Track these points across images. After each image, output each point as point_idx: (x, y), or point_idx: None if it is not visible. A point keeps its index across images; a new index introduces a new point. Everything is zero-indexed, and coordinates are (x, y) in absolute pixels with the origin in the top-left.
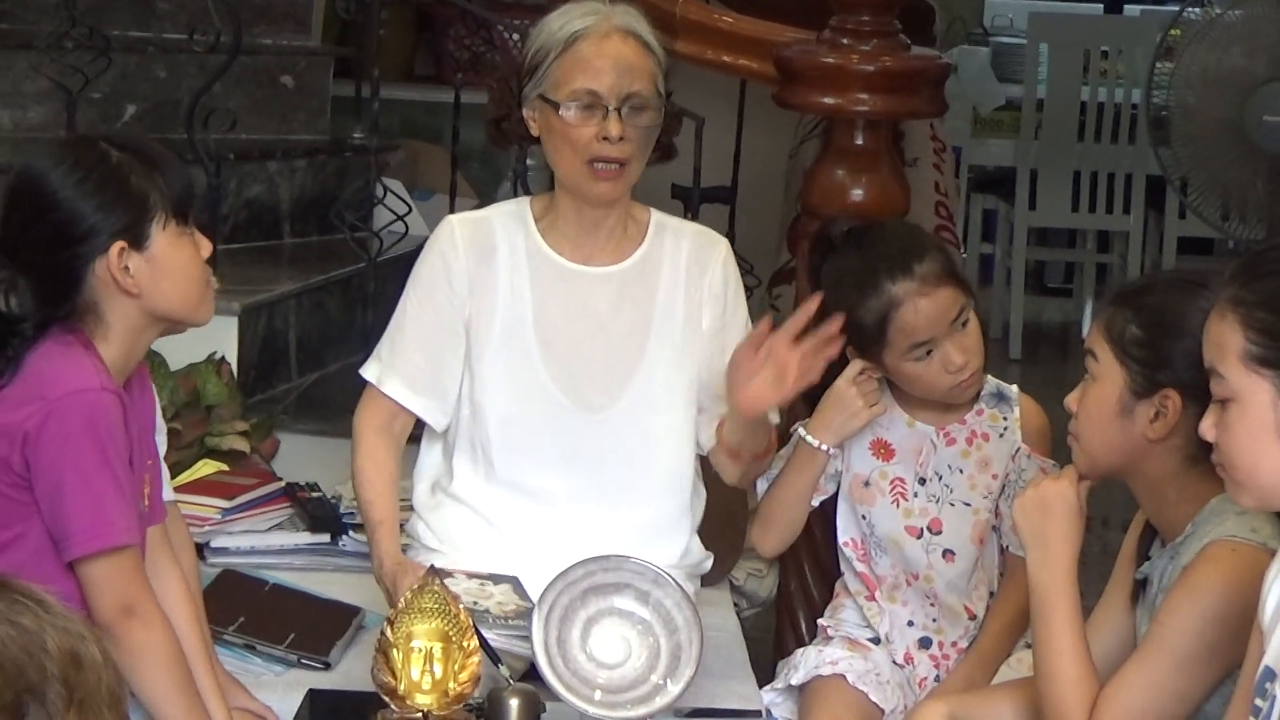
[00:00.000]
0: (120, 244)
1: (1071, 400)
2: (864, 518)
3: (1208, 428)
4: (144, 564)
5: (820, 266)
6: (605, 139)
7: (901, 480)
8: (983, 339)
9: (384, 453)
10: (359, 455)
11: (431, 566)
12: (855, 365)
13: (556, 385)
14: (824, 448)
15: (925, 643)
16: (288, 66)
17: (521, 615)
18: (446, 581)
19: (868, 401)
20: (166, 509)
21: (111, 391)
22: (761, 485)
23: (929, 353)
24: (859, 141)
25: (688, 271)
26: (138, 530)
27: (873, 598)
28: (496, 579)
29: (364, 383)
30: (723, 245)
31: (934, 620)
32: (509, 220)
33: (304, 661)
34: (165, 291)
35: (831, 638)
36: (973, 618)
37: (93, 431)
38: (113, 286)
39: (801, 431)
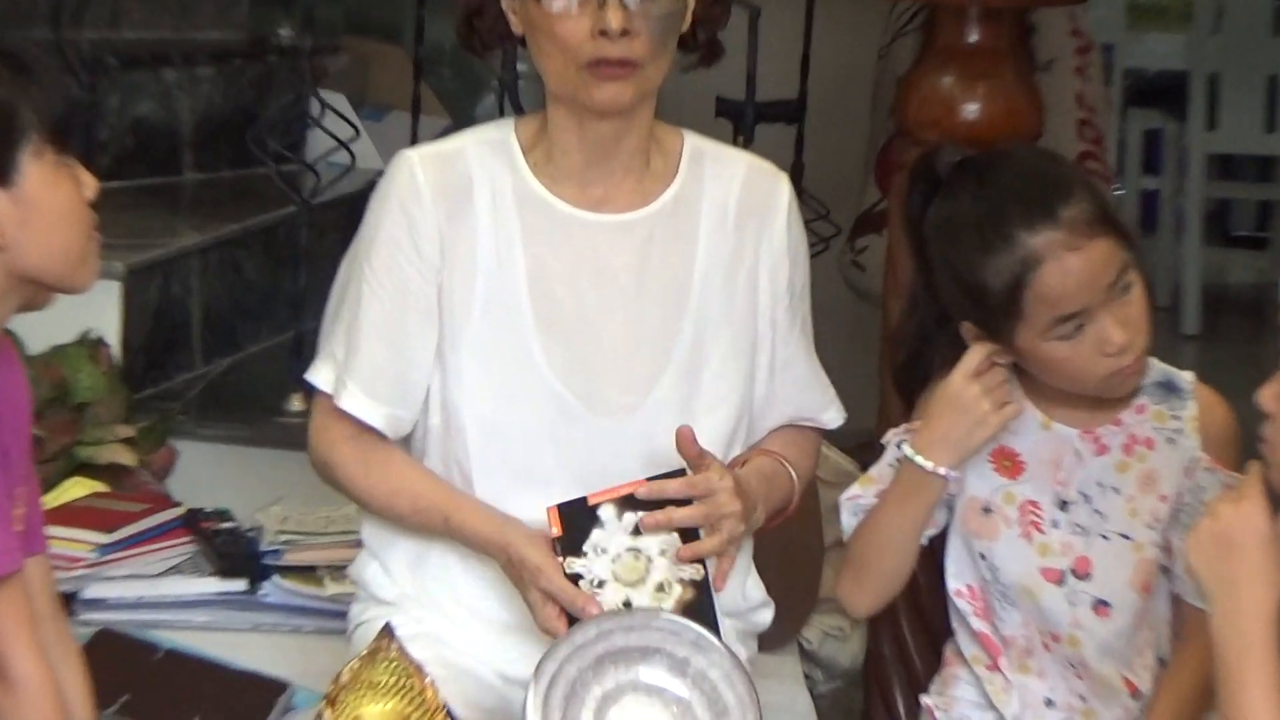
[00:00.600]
0: None
1: (1268, 395)
2: (983, 557)
3: None
4: (28, 602)
5: (923, 210)
6: (604, 34)
7: (1035, 505)
8: (1148, 309)
9: (379, 449)
10: (343, 473)
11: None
12: (977, 351)
13: (560, 379)
14: (941, 472)
15: None
16: None
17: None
18: (594, 540)
19: (996, 403)
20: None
21: None
22: (848, 519)
23: (1079, 329)
24: (973, 38)
25: (739, 219)
26: (19, 553)
27: (996, 667)
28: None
29: (307, 384)
30: (785, 187)
31: (1082, 698)
32: (489, 152)
33: None
34: (37, 242)
35: None
36: (1135, 694)
37: None
38: None
39: (908, 450)
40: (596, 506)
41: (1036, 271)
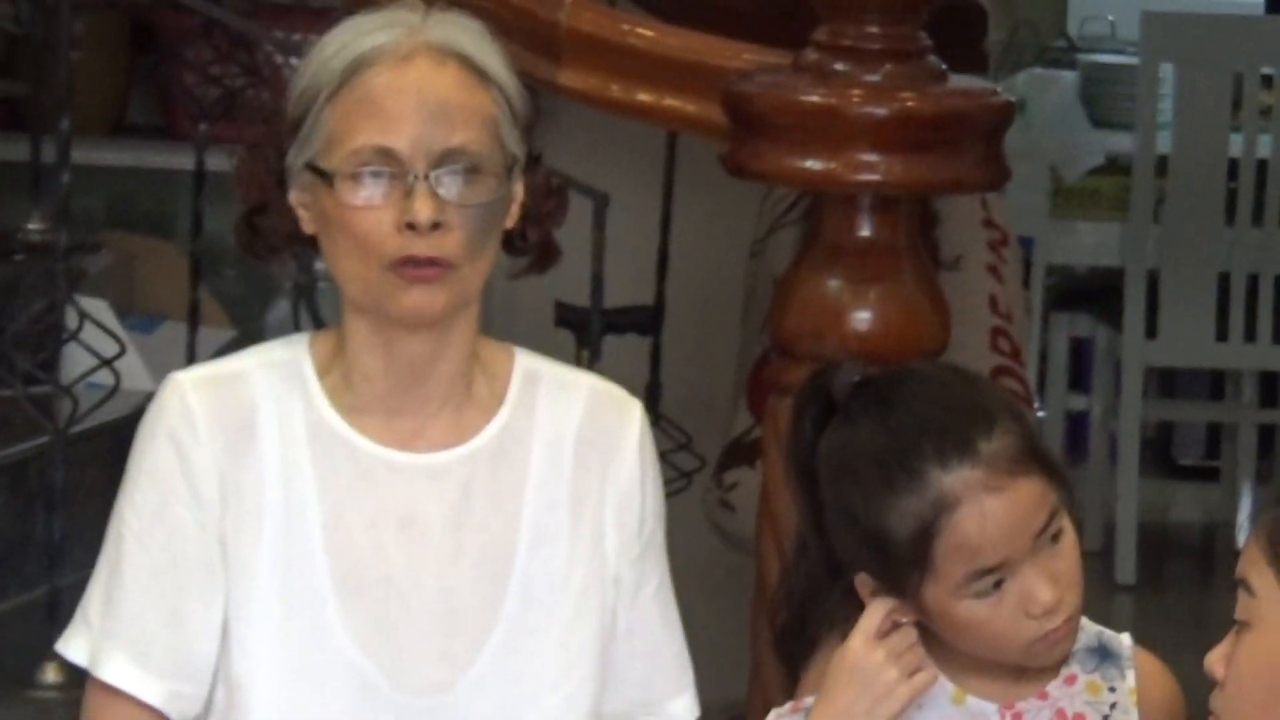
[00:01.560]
0: None
1: (1215, 661)
2: None
3: None
4: None
5: (815, 439)
6: (411, 227)
7: None
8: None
9: None
10: None
11: None
12: (876, 609)
13: (365, 653)
14: None
15: None
16: None
17: None
18: None
19: (905, 670)
20: None
21: None
22: None
23: (999, 585)
24: (865, 232)
25: (577, 457)
26: None
27: None
28: None
29: (75, 668)
30: (636, 415)
31: None
32: (276, 377)
33: None
34: None
35: None
36: None
37: None
38: None
39: None
40: None
41: (950, 517)
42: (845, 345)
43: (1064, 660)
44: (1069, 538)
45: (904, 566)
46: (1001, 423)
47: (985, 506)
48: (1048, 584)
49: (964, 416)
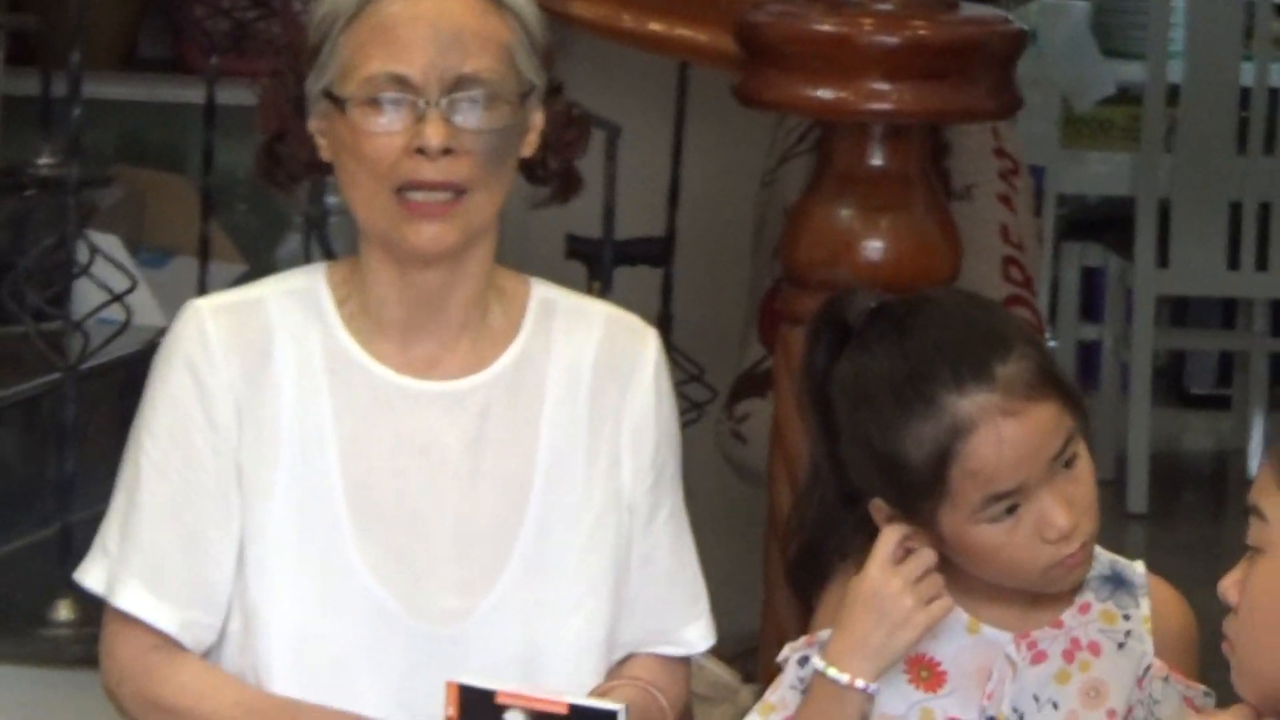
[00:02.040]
0: None
1: (1229, 586)
2: None
3: None
4: None
5: (829, 365)
6: (421, 151)
7: None
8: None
9: (188, 661)
10: (144, 695)
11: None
12: (890, 534)
13: (380, 581)
14: (860, 685)
15: None
16: None
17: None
18: None
19: (922, 598)
20: None
21: None
22: None
23: (1012, 510)
24: (876, 161)
25: (594, 385)
26: None
27: None
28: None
29: (78, 588)
30: (653, 343)
31: None
32: (293, 304)
33: None
34: None
35: None
36: None
37: None
38: None
39: (819, 664)
40: (504, 707)
41: (966, 441)
42: (856, 274)
43: (1078, 588)
44: (1084, 463)
45: (920, 492)
46: (1017, 347)
47: (1001, 431)
48: (1063, 508)
49: (980, 341)
